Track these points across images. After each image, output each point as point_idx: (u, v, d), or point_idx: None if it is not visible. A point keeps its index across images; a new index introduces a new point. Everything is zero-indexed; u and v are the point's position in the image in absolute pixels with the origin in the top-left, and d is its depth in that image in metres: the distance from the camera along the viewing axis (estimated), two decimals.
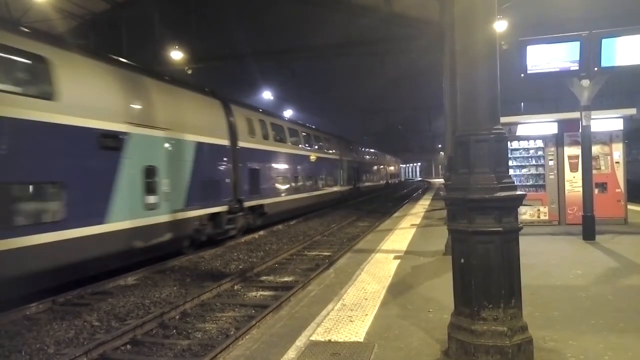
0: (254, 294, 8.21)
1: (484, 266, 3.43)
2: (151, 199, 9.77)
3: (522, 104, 41.88)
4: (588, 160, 8.78)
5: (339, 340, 4.23)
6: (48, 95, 7.45)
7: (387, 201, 30.41)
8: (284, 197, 17.62)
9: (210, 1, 22.47)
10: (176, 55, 21.09)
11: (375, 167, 41.94)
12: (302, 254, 11.80)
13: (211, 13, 22.53)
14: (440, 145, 74.65)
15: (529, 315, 4.04)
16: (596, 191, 9.96)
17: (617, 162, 10.56)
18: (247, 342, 4.40)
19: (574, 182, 10.53)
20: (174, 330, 6.37)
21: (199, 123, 11.92)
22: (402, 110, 75.63)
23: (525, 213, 10.76)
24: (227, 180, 13.14)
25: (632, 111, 10.84)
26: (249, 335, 5.32)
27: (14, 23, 12.27)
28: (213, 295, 7.94)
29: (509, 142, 8.43)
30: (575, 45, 8.36)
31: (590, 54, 8.29)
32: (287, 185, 18.15)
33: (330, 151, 25.51)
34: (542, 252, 7.75)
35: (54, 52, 7.80)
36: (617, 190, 10.53)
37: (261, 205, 15.31)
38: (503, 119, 4.75)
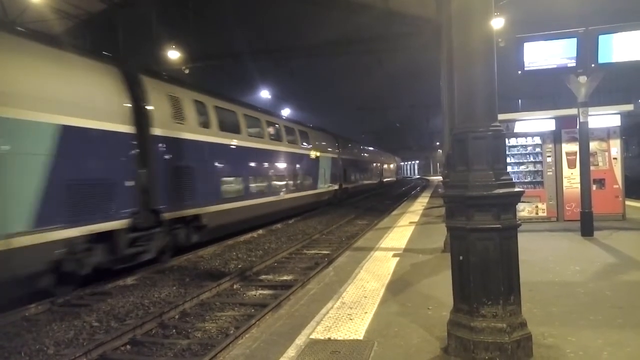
0: (253, 293, 8.21)
1: (482, 263, 3.43)
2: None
3: (520, 101, 41.96)
4: (586, 156, 8.80)
5: (339, 338, 4.23)
6: None
7: (386, 199, 30.43)
8: (232, 205, 13.29)
9: (207, 0, 22.43)
10: (173, 54, 21.06)
11: (369, 166, 37.91)
12: (301, 252, 11.80)
13: (208, 12, 22.50)
14: (438, 143, 74.64)
15: (528, 311, 4.05)
16: (594, 187, 9.98)
17: (615, 158, 10.59)
18: (247, 341, 4.40)
19: (572, 179, 10.56)
20: (174, 330, 6.37)
21: (69, 98, 7.93)
22: (400, 108, 75.61)
23: (524, 210, 10.79)
24: (128, 183, 9.03)
25: (630, 107, 10.88)
26: (248, 334, 5.33)
27: (11, 24, 12.21)
28: (212, 294, 7.93)
29: (506, 139, 8.48)
30: (572, 42, 8.36)
31: (587, 51, 8.30)
32: (239, 189, 14.03)
33: (308, 146, 21.41)
34: (540, 249, 7.77)
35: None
36: (615, 186, 10.56)
37: (196, 216, 11.37)
38: (501, 116, 4.75)
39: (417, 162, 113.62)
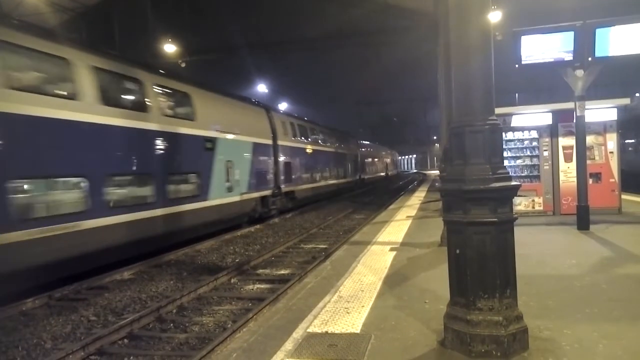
0: (250, 287, 8.23)
1: (479, 256, 3.44)
2: (228, 185, 13.58)
3: (517, 94, 41.99)
4: (582, 150, 8.81)
5: (336, 331, 4.25)
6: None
7: (383, 193, 30.46)
8: (308, 185, 21.71)
9: None
10: (169, 48, 20.95)
11: (377, 160, 45.92)
12: (299, 246, 11.82)
13: (204, 5, 22.36)
14: (435, 137, 74.69)
15: (524, 304, 4.07)
16: (590, 181, 10.01)
17: (611, 152, 10.61)
18: (245, 335, 4.41)
19: (568, 173, 10.57)
20: (171, 324, 6.38)
21: (253, 128, 15.82)
22: (398, 102, 75.55)
23: (520, 204, 10.81)
24: (271, 171, 17.08)
25: (626, 101, 10.89)
26: (246, 328, 5.35)
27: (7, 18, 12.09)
28: (210, 288, 7.94)
29: (503, 133, 8.47)
30: (569, 35, 8.35)
31: (584, 44, 8.28)
32: (310, 176, 22.21)
33: (342, 147, 30.04)
34: (537, 242, 7.80)
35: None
36: (612, 180, 10.59)
37: (293, 191, 19.34)
38: (498, 110, 4.75)
39: (414, 156, 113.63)
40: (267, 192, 16.66)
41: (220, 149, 13.15)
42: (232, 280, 8.59)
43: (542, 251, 7.12)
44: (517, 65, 8.71)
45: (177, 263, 10.09)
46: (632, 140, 21.98)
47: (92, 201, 8.42)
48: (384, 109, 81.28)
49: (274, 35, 24.18)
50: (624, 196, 11.29)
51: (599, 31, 8.24)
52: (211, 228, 12.77)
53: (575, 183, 9.34)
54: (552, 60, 8.53)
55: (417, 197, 20.26)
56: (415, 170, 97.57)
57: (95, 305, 7.22)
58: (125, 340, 5.87)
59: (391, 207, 17.11)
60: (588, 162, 9.47)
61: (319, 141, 24.56)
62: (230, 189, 13.72)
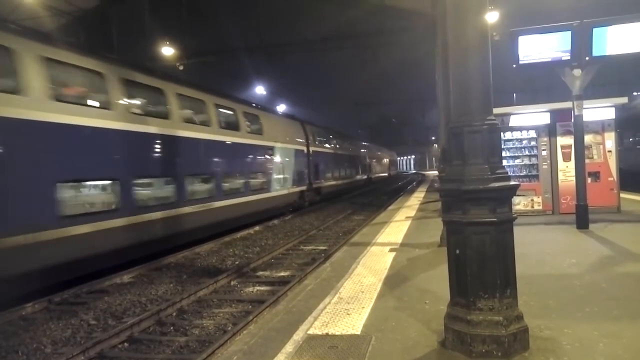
0: (250, 289, 8.22)
1: (479, 256, 3.44)
2: (282, 181, 17.88)
3: (515, 94, 42.05)
4: (581, 149, 8.82)
5: (337, 333, 4.24)
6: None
7: (382, 194, 30.47)
8: (331, 183, 26.34)
9: None
10: (167, 51, 20.94)
11: (381, 161, 50.82)
12: (298, 248, 11.81)
13: (202, 8, 22.35)
14: (434, 138, 74.75)
15: (525, 304, 4.07)
16: (589, 180, 10.02)
17: (610, 151, 10.62)
18: (245, 337, 4.41)
19: (567, 172, 10.59)
20: (171, 327, 6.37)
21: (294, 137, 20.40)
22: (396, 102, 75.64)
23: (519, 203, 10.82)
24: (305, 171, 21.38)
25: (624, 100, 10.90)
26: (246, 330, 5.33)
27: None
28: (210, 291, 7.94)
29: (502, 133, 8.49)
30: (567, 35, 8.36)
31: (581, 44, 8.30)
32: (332, 175, 26.84)
33: (356, 150, 36.07)
34: (536, 242, 7.80)
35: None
36: (610, 179, 10.60)
37: (320, 187, 23.88)
38: (496, 110, 4.76)
39: (413, 157, 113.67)
40: (304, 188, 21.16)
41: (276, 155, 17.78)
42: (232, 283, 8.57)
43: (541, 250, 7.13)
44: (514, 65, 8.73)
45: (176, 266, 10.08)
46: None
47: (219, 190, 12.93)
48: (383, 109, 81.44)
49: (272, 37, 24.22)
50: (622, 195, 11.31)
51: (596, 30, 8.26)
52: (272, 213, 17.22)
53: (574, 182, 9.36)
54: (549, 60, 8.55)
55: (416, 198, 20.27)
56: (414, 171, 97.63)
57: (95, 309, 7.20)
58: (126, 344, 5.86)
59: (390, 207, 17.12)
60: (586, 161, 9.48)
61: (338, 146, 29.85)
62: (282, 184, 18.18)
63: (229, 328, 6.05)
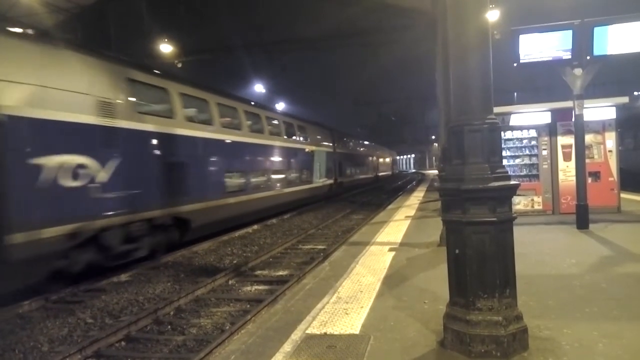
0: (248, 288, 8.19)
1: (478, 256, 3.42)
2: (319, 175, 22.67)
3: (515, 93, 42.04)
4: (581, 149, 8.79)
5: (335, 333, 4.22)
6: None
7: (382, 193, 30.49)
8: (350, 178, 30.71)
9: None
10: (165, 48, 20.89)
11: (386, 161, 52.85)
12: (297, 247, 11.78)
13: (201, 5, 22.31)
14: (434, 137, 74.73)
15: (524, 304, 4.05)
16: (589, 180, 10.00)
17: (610, 151, 10.60)
18: (243, 337, 4.38)
19: (567, 172, 10.56)
20: (169, 326, 6.34)
21: (325, 142, 24.80)
22: (396, 101, 75.69)
23: (519, 203, 10.80)
24: (332, 168, 25.60)
25: (625, 100, 10.87)
26: (244, 329, 5.31)
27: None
28: (207, 290, 7.90)
29: (502, 132, 8.45)
30: (568, 34, 8.33)
31: (582, 43, 8.27)
32: (350, 172, 31.03)
33: (366, 151, 39.92)
34: (536, 242, 7.78)
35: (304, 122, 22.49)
36: (610, 179, 10.58)
37: (342, 182, 28.00)
38: (496, 109, 4.72)
39: (413, 156, 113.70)
40: (332, 181, 25.89)
41: (315, 156, 22.92)
42: (230, 282, 8.54)
43: (541, 250, 7.11)
44: (515, 64, 8.69)
45: (174, 265, 10.05)
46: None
47: (288, 182, 18.45)
48: (382, 108, 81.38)
49: (271, 35, 24.24)
50: (623, 195, 11.29)
51: (597, 30, 8.23)
52: (311, 200, 22.12)
53: (574, 182, 9.33)
54: (550, 59, 8.52)
55: (416, 197, 20.25)
56: (413, 170, 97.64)
57: (92, 307, 7.17)
58: (123, 343, 5.83)
59: (390, 207, 17.10)
60: (587, 161, 9.45)
61: (356, 148, 35.07)
62: (319, 178, 23.39)
63: (227, 327, 6.02)
